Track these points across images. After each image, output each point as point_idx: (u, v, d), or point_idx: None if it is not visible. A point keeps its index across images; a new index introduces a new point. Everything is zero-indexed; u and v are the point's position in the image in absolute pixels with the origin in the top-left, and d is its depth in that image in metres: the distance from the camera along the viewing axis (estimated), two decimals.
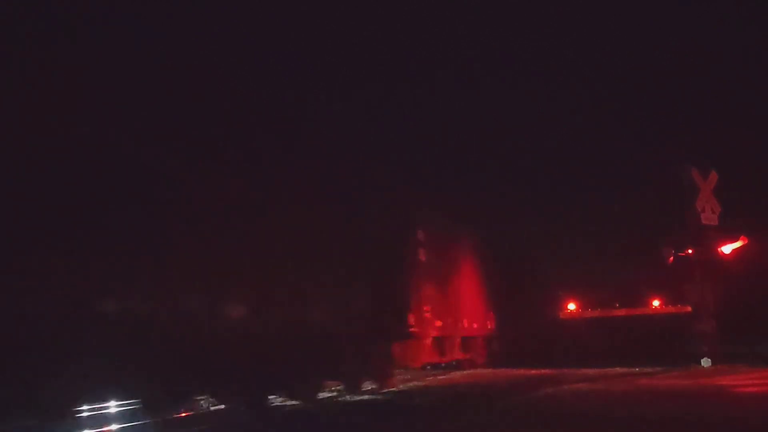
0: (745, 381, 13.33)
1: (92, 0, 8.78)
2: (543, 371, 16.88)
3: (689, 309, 18.24)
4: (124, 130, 8.75)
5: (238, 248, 10.20)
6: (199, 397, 11.05)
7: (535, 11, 18.19)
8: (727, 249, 17.69)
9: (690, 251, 17.94)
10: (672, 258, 19.09)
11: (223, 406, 11.22)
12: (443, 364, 18.35)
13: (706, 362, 17.03)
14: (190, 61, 9.73)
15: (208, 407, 11.35)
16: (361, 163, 13.68)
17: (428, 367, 17.96)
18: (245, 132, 10.77)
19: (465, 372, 18.43)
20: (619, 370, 16.20)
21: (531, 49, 18.20)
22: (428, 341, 17.60)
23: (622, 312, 20.26)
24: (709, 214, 17.90)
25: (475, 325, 19.61)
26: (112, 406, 9.68)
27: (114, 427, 9.43)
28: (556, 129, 18.62)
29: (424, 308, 17.20)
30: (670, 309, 19.06)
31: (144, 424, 9.52)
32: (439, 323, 17.95)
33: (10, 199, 7.64)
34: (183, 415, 10.56)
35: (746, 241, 17.72)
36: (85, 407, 9.15)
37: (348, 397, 13.20)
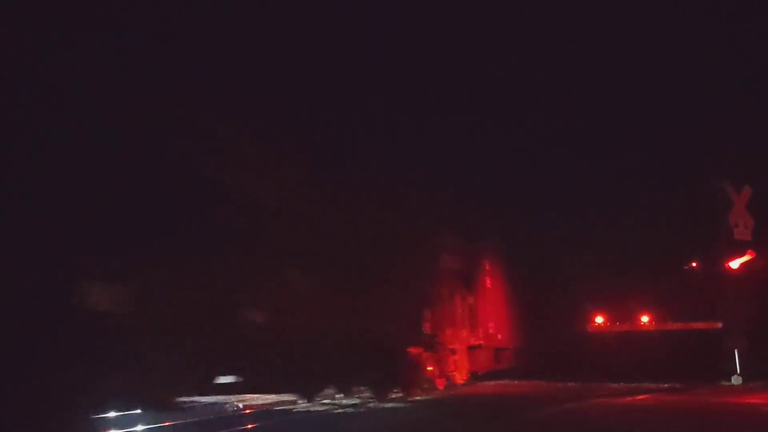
0: None
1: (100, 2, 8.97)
2: (570, 384, 16.76)
3: (720, 325, 17.99)
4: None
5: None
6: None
7: (566, 35, 18.17)
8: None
9: (721, 267, 17.72)
10: (703, 273, 18.86)
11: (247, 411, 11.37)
12: (479, 374, 18.33)
13: (736, 380, 16.78)
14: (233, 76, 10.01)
15: (236, 411, 11.48)
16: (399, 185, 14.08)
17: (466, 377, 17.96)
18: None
19: (492, 383, 18.35)
20: (646, 385, 16.02)
21: (552, 68, 18.16)
22: (461, 353, 17.61)
23: (651, 326, 20.03)
24: (742, 229, 17.66)
25: (503, 337, 19.55)
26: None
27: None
28: (582, 143, 18.52)
29: (457, 321, 17.25)
30: (701, 325, 18.79)
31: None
32: (471, 335, 17.94)
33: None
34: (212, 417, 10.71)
35: (753, 256, 17.49)
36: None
37: (378, 404, 13.24)
